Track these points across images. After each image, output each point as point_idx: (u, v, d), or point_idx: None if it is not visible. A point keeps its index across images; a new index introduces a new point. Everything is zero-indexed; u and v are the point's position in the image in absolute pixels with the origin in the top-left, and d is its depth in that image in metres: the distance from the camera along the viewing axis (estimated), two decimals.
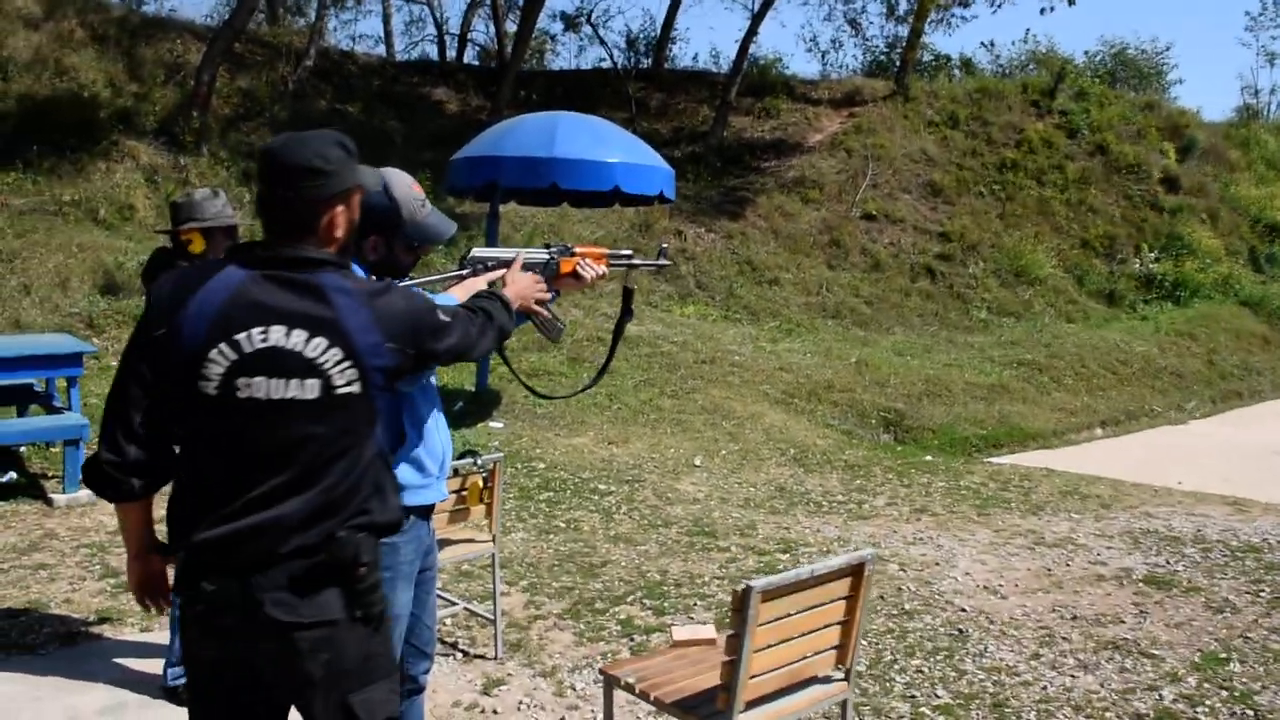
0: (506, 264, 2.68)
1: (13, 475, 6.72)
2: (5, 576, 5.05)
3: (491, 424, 8.75)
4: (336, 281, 2.06)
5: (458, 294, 2.54)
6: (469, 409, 8.94)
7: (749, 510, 6.80)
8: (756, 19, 18.94)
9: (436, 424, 2.61)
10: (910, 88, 20.27)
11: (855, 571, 2.71)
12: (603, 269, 2.88)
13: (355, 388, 2.03)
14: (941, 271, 16.34)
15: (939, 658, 4.38)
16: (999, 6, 21.55)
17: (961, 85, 21.94)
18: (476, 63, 21.55)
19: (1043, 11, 22.35)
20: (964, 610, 4.96)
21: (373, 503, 2.09)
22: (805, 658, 2.64)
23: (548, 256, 2.79)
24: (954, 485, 7.72)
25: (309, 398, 1.99)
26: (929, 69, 23.25)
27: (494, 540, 4.27)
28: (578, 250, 2.84)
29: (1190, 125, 22.35)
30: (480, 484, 4.14)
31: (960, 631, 4.68)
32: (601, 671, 3.13)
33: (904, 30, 22.10)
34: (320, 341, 1.99)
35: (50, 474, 6.83)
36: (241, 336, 1.98)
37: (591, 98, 17.97)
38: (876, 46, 23.99)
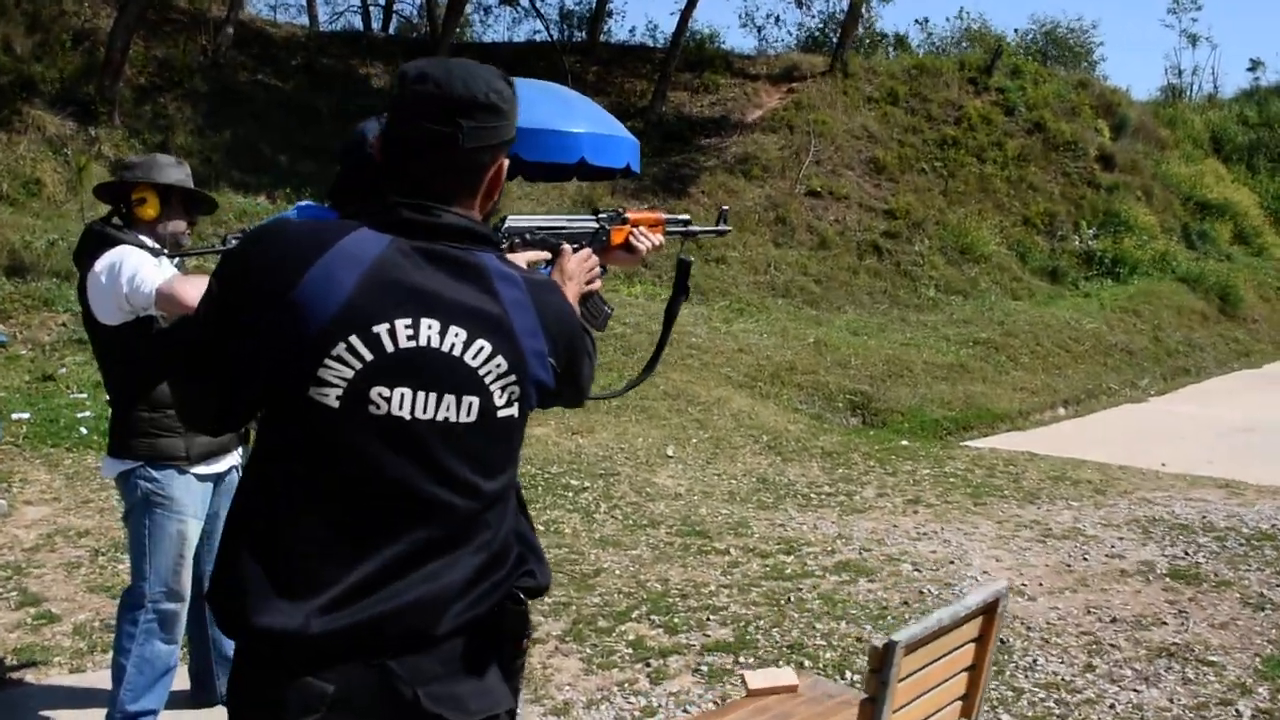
0: (554, 238, 2.13)
1: None
2: None
3: None
4: (499, 265, 1.54)
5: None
6: None
7: (736, 505, 6.33)
8: None
9: None
10: (849, 64, 19.95)
11: (988, 610, 2.24)
12: (659, 238, 2.35)
13: (514, 410, 1.53)
14: (888, 249, 16.07)
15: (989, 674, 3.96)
16: None
17: (899, 62, 21.72)
18: (414, 35, 20.63)
19: None
20: None
21: (531, 559, 1.61)
22: (937, 712, 2.16)
23: (597, 225, 2.24)
24: (939, 472, 7.36)
25: (465, 421, 1.47)
26: (865, 46, 23.00)
27: None
28: (630, 216, 2.30)
29: (1121, 104, 22.49)
30: None
31: (1001, 642, 4.26)
32: None
33: (842, 4, 21.77)
34: (484, 346, 1.48)
35: None
36: (382, 329, 1.43)
37: (527, 72, 17.23)
38: (815, 23, 23.63)
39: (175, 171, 3.19)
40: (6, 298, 9.10)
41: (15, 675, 3.81)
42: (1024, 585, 4.98)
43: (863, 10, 21.22)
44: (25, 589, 4.56)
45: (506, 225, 2.09)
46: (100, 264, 2.99)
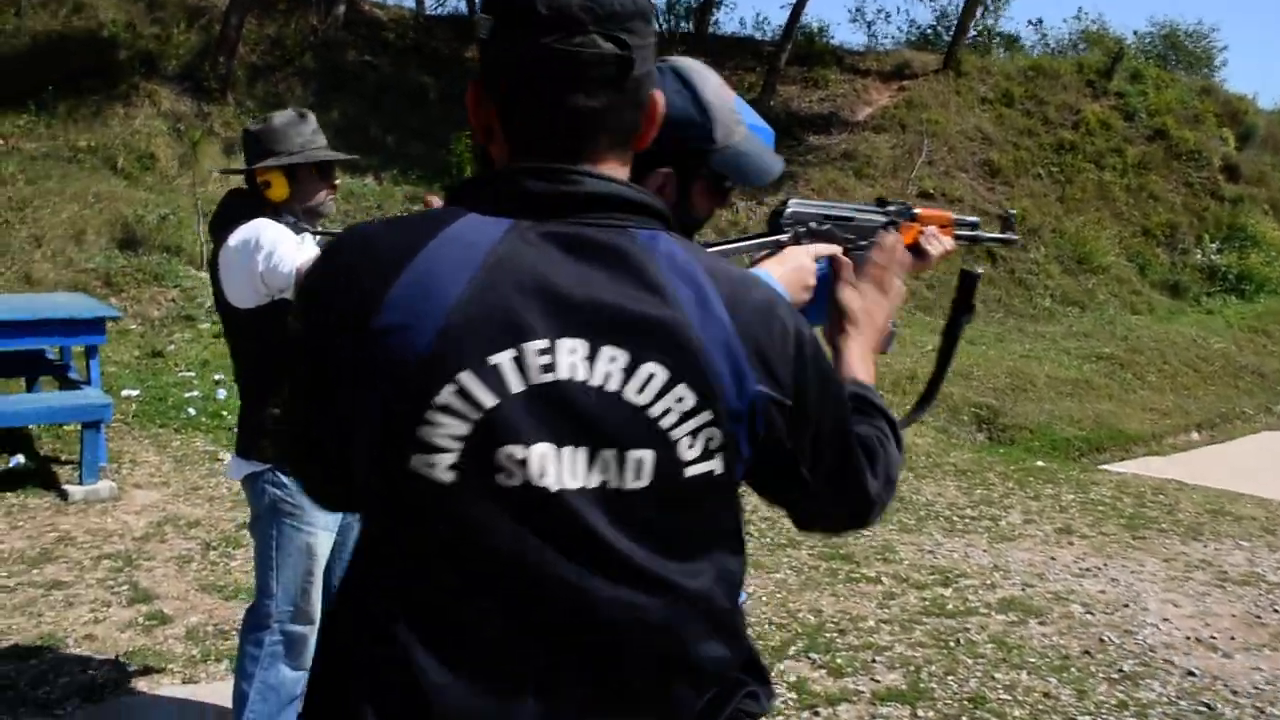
0: (841, 230, 1.74)
1: (20, 460, 5.80)
2: (12, 598, 4.13)
3: None
4: (671, 247, 1.07)
5: (776, 275, 1.60)
6: None
7: (877, 525, 5.89)
8: None
9: None
10: (962, 63, 19.26)
11: None
12: (949, 242, 1.94)
13: (715, 465, 1.05)
14: (1003, 255, 15.41)
15: None
16: None
17: (1014, 62, 20.95)
18: None
19: None
20: (1193, 674, 4.07)
21: (752, 680, 1.18)
22: None
23: (885, 219, 1.84)
24: (1085, 499, 6.83)
25: (634, 486, 1.01)
26: (978, 45, 22.23)
27: None
28: (919, 212, 1.90)
29: (1248, 112, 21.43)
30: None
31: (1209, 708, 3.78)
32: None
33: (957, 1, 21.05)
34: (655, 372, 1.01)
35: (64, 459, 5.90)
36: (504, 359, 0.99)
37: None
38: (927, 18, 22.95)
39: (298, 136, 2.81)
40: (119, 271, 9.03)
41: (129, 681, 3.55)
42: (1213, 638, 4.47)
43: (981, 6, 20.46)
44: (136, 584, 4.33)
45: (790, 208, 1.71)
46: (234, 239, 2.69)
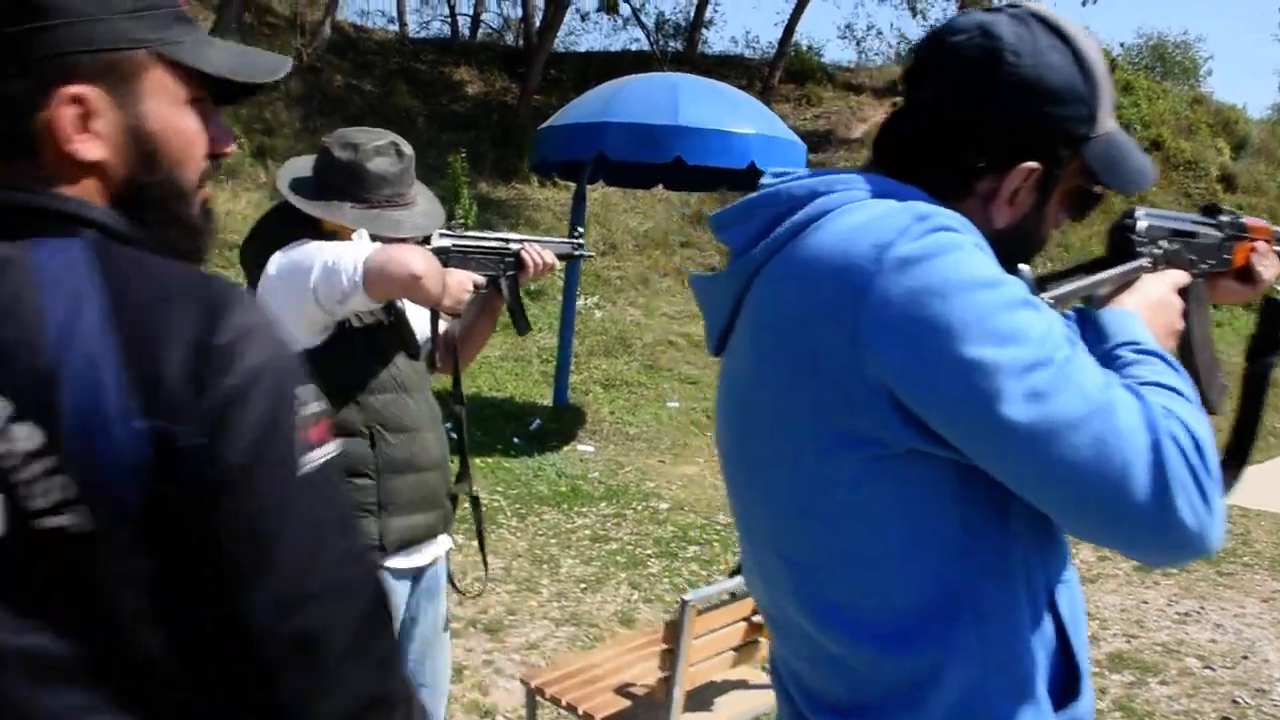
0: (1189, 250, 1.28)
1: None
2: None
3: (580, 447, 7.34)
4: (75, 256, 0.87)
5: (1144, 318, 1.15)
6: (548, 429, 7.52)
7: None
8: None
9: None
10: None
11: None
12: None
13: (73, 519, 0.81)
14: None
15: None
16: None
17: None
18: (503, 42, 20.00)
19: (1084, 2, 20.98)
20: None
21: None
22: None
23: (1220, 235, 1.38)
24: None
25: None
26: None
27: None
28: (1248, 223, 1.43)
29: (1239, 121, 21.28)
30: None
31: None
32: None
33: (949, 14, 20.80)
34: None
35: None
36: None
37: None
38: (920, 31, 22.70)
39: (388, 187, 2.25)
40: None
41: None
42: None
43: None
44: None
45: (1143, 222, 1.24)
46: (274, 265, 2.13)
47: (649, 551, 5.41)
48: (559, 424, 7.61)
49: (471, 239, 2.42)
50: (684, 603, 2.24)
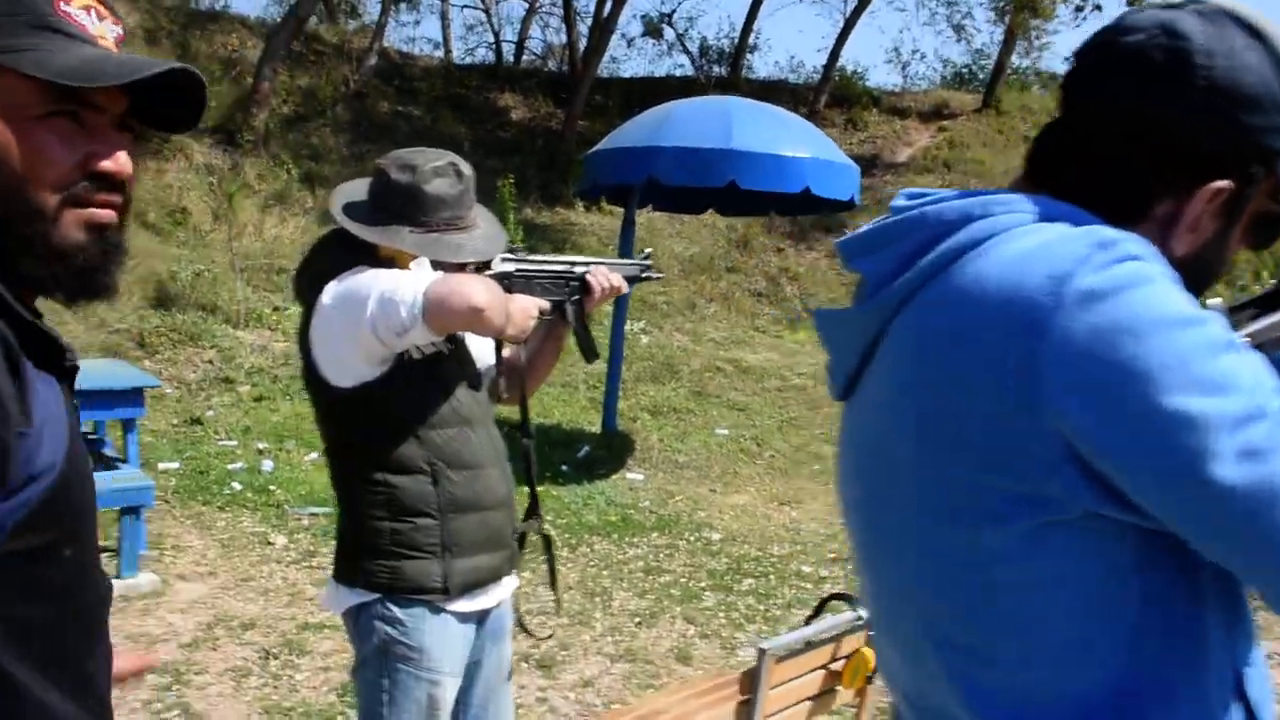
0: None
1: None
2: None
3: (630, 475, 7.21)
4: None
5: None
6: (597, 455, 7.40)
7: None
8: (850, 22, 17.49)
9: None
10: (1002, 101, 18.85)
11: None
12: None
13: None
14: None
15: None
16: (1084, 18, 19.70)
17: (1054, 98, 20.46)
18: (546, 68, 20.08)
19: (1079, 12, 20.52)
20: None
21: None
22: None
23: None
24: None
25: None
26: (1013, 83, 21.77)
27: None
28: None
29: None
30: (871, 653, 2.52)
31: None
32: None
33: (995, 39, 20.62)
34: None
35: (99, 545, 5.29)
36: None
37: None
38: (963, 58, 22.57)
39: (446, 210, 2.13)
40: (152, 331, 8.49)
41: None
42: None
43: (1024, 43, 20.01)
44: (189, 707, 3.68)
45: None
46: (329, 295, 2.03)
47: (703, 584, 5.26)
48: (608, 451, 7.49)
49: (536, 263, 2.32)
50: (762, 651, 2.10)
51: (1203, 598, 0.89)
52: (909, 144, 18.15)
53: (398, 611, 2.07)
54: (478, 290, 1.97)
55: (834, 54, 17.34)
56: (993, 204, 0.92)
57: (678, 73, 20.53)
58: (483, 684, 2.26)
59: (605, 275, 2.35)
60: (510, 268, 2.27)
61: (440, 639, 2.10)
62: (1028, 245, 0.88)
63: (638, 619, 4.72)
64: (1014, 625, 0.89)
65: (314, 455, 6.94)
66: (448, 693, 2.14)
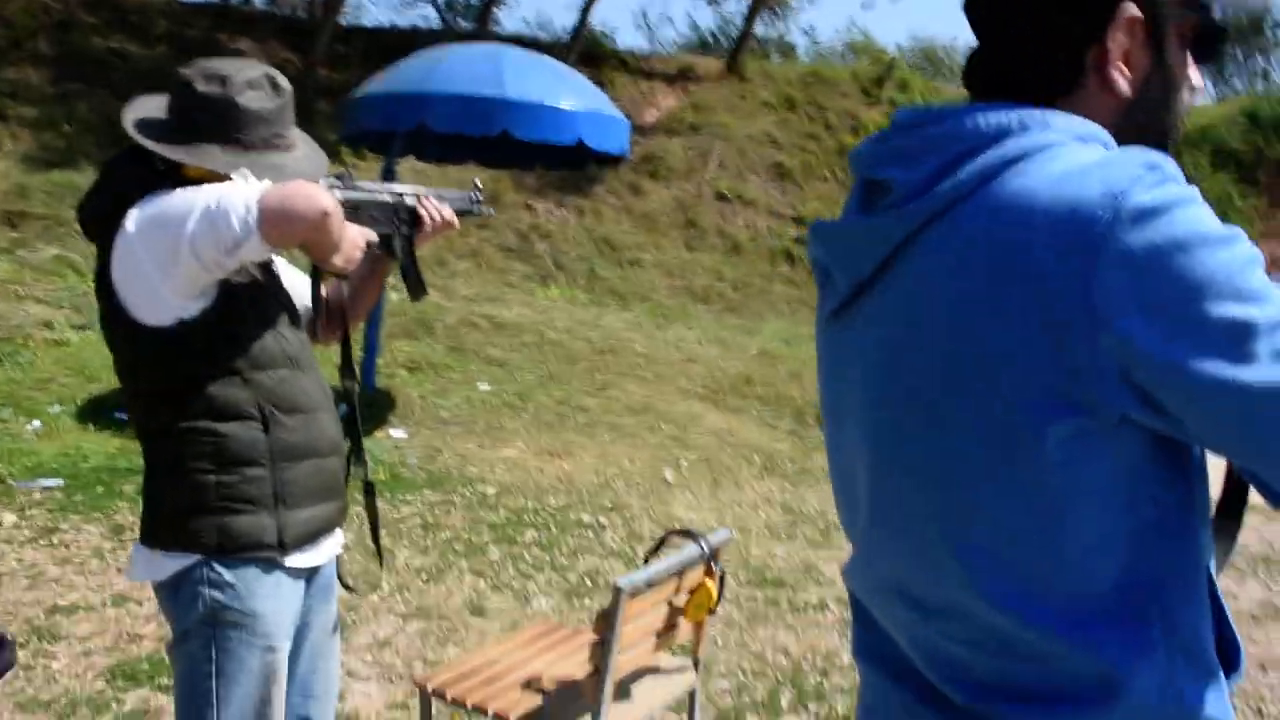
0: None
1: None
2: None
3: (394, 433, 6.98)
4: None
5: None
6: (361, 413, 7.09)
7: (784, 543, 5.47)
8: None
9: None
10: (745, 67, 19.59)
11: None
12: None
13: None
14: (800, 257, 15.59)
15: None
16: None
17: (793, 68, 21.56)
18: (280, 11, 18.89)
19: (864, 6, 21.94)
20: None
21: None
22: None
23: None
24: None
25: None
26: (756, 51, 22.64)
27: (696, 668, 2.69)
28: None
29: None
30: (714, 585, 2.52)
31: None
32: None
33: (740, 7, 21.35)
34: None
35: None
36: None
37: None
38: (711, 24, 23.20)
39: (266, 127, 1.92)
40: None
41: None
42: None
43: (767, 11, 20.85)
44: None
45: None
46: (133, 220, 1.77)
47: (485, 538, 5.17)
48: (369, 409, 7.21)
49: (363, 190, 2.14)
50: (618, 589, 2.07)
51: (1193, 503, 0.95)
52: (655, 106, 18.47)
53: (226, 574, 1.85)
54: (323, 193, 1.80)
55: (584, 13, 17.32)
56: (1028, 118, 0.92)
57: (423, 24, 19.90)
58: (310, 647, 2.07)
59: (436, 207, 2.21)
60: (336, 194, 2.08)
61: (274, 601, 1.90)
62: (1076, 163, 0.88)
63: (424, 575, 4.57)
64: (1042, 526, 0.91)
65: (36, 424, 6.28)
66: (282, 663, 1.95)
